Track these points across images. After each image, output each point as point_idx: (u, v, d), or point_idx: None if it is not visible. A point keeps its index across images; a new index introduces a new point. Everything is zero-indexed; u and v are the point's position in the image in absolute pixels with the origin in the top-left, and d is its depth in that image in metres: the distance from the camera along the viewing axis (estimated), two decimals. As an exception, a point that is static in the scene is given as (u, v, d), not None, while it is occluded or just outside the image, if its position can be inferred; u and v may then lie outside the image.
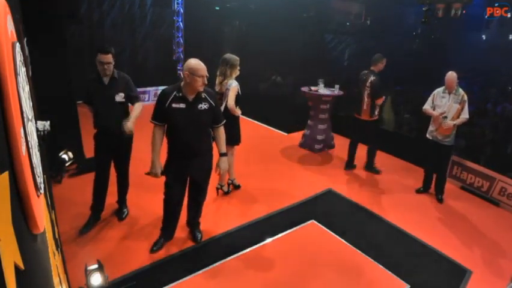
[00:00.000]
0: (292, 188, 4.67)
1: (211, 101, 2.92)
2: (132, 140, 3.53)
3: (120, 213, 3.72)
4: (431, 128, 4.53)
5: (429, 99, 4.53)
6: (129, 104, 3.46)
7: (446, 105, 4.35)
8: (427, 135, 4.57)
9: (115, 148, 3.45)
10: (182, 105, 2.84)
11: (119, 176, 3.63)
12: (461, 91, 4.29)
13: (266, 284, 3.00)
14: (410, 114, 7.18)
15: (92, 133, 3.45)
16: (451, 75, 4.29)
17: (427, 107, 4.53)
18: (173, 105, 2.84)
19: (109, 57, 3.17)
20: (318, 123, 6.01)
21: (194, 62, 2.79)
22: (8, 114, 0.79)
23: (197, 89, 2.81)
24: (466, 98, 4.27)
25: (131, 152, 3.58)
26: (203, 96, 2.89)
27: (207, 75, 2.81)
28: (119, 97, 3.29)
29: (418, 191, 4.81)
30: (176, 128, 2.91)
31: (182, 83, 2.86)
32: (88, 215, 3.62)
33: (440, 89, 4.45)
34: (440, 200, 4.59)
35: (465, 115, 4.29)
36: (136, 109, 3.42)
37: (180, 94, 2.84)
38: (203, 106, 2.88)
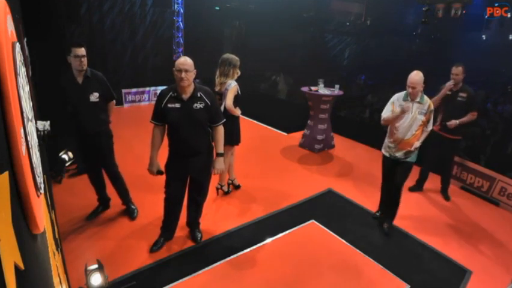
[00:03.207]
0: (292, 188, 4.67)
1: (207, 100, 2.91)
2: (111, 138, 3.50)
3: (129, 212, 3.72)
4: (387, 142, 3.70)
5: (388, 107, 3.64)
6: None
7: (409, 117, 3.48)
8: (382, 151, 3.78)
9: (95, 148, 3.42)
10: (177, 105, 2.86)
11: (109, 176, 3.60)
12: (426, 99, 3.50)
13: (266, 284, 3.00)
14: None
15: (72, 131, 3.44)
16: (417, 76, 3.40)
17: (387, 114, 3.61)
18: (169, 105, 2.86)
19: (83, 50, 3.14)
20: (318, 123, 6.02)
21: (178, 59, 2.84)
22: (8, 114, 0.79)
23: (180, 85, 2.81)
24: (432, 107, 3.51)
25: (114, 150, 3.55)
26: (198, 95, 2.89)
27: (187, 69, 2.76)
28: (94, 97, 3.25)
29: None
30: (174, 127, 2.92)
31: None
32: (87, 214, 3.63)
33: (401, 95, 3.58)
34: (387, 229, 3.81)
35: (429, 127, 3.55)
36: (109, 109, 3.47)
37: (175, 94, 2.87)
38: (198, 105, 2.88)
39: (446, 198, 4.71)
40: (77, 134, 3.39)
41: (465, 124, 4.34)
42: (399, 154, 3.61)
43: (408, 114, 3.48)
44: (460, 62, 4.29)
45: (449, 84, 4.29)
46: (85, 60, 3.15)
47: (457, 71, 4.25)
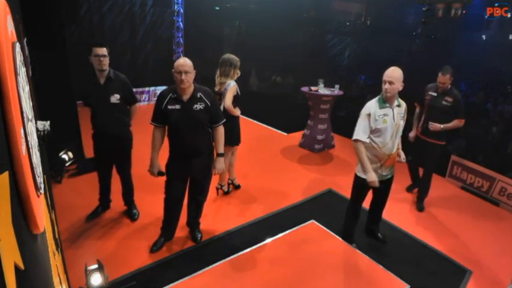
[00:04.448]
0: (292, 188, 4.67)
1: (207, 101, 2.91)
2: (131, 141, 3.51)
3: (130, 215, 3.71)
4: (371, 164, 3.10)
5: (364, 123, 3.00)
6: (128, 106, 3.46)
7: (392, 126, 3.01)
8: (358, 174, 3.24)
9: (113, 149, 3.42)
10: (177, 106, 2.85)
11: (121, 179, 3.60)
12: (401, 100, 3.09)
13: (266, 284, 2.99)
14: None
15: (91, 133, 3.45)
16: (395, 72, 2.89)
17: (366, 143, 3.01)
18: (169, 106, 2.86)
19: (104, 50, 3.15)
20: (318, 123, 6.02)
21: (178, 60, 2.83)
22: (8, 114, 0.79)
23: (180, 86, 2.80)
24: (406, 107, 3.16)
25: (131, 153, 3.56)
26: (198, 96, 2.89)
27: (186, 70, 2.75)
28: (114, 98, 3.25)
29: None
30: (174, 128, 2.93)
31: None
32: (87, 214, 3.63)
33: (375, 104, 3.01)
34: (382, 236, 3.64)
35: (400, 132, 3.15)
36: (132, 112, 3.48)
37: (175, 95, 2.86)
38: (198, 106, 2.88)
39: (420, 208, 4.30)
40: (97, 134, 3.39)
41: (448, 130, 4.06)
42: (385, 172, 3.19)
43: (391, 123, 3.01)
44: (447, 68, 3.88)
45: (432, 94, 4.05)
46: (105, 60, 3.15)
47: (445, 79, 3.86)
